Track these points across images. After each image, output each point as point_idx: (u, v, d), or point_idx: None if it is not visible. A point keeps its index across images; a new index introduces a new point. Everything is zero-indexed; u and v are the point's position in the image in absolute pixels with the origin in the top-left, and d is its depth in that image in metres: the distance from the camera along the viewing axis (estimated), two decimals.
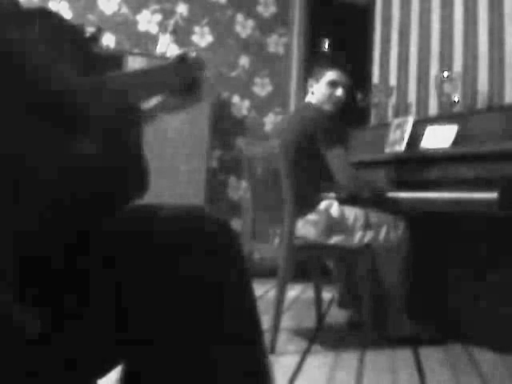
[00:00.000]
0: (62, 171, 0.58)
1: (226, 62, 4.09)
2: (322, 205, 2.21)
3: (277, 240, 2.26)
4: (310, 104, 2.35)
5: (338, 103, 2.36)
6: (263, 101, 4.21)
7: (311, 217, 2.17)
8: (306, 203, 2.18)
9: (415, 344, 2.19)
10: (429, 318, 2.39)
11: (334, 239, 2.16)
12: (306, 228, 2.17)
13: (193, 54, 0.90)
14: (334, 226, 2.16)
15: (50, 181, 0.57)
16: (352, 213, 2.20)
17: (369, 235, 2.18)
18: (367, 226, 2.18)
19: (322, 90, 2.34)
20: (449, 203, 2.08)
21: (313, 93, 2.37)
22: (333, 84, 2.34)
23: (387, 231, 2.20)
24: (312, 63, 2.55)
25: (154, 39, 3.84)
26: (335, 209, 2.20)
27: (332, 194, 2.52)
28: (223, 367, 0.64)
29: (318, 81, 2.36)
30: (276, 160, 2.10)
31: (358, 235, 2.17)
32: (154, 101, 0.95)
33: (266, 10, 4.24)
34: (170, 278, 0.64)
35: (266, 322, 2.26)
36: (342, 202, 2.33)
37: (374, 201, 2.33)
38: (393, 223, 2.22)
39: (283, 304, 2.09)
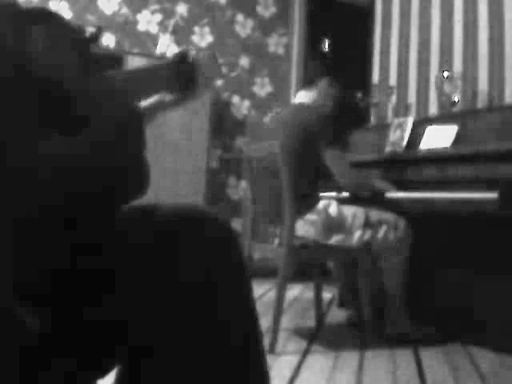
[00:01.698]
0: (61, 171, 0.58)
1: (226, 62, 4.09)
2: (321, 204, 2.21)
3: (277, 240, 2.26)
4: (306, 105, 2.35)
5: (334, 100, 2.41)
6: (263, 101, 4.21)
7: (310, 216, 2.17)
8: (305, 203, 2.18)
9: (415, 344, 2.19)
10: (429, 318, 2.39)
11: (334, 239, 2.17)
12: (306, 228, 2.17)
13: (192, 53, 0.91)
14: (333, 225, 2.17)
15: (49, 180, 0.57)
16: (351, 212, 2.20)
17: (368, 234, 2.18)
18: (366, 225, 2.18)
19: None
20: (449, 203, 2.08)
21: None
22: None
23: (387, 231, 2.20)
24: (308, 67, 2.56)
25: (153, 39, 3.84)
26: (334, 208, 2.20)
27: (331, 194, 2.52)
28: (221, 367, 0.64)
29: (310, 90, 2.39)
30: (276, 160, 2.10)
31: (356, 234, 2.17)
32: (152, 98, 0.95)
33: (266, 10, 4.24)
34: (169, 278, 0.64)
35: (265, 322, 2.26)
36: (341, 201, 2.34)
37: (374, 200, 2.34)
38: (393, 223, 2.22)
39: (283, 304, 2.09)
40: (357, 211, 2.21)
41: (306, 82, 2.43)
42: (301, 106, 2.35)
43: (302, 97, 2.38)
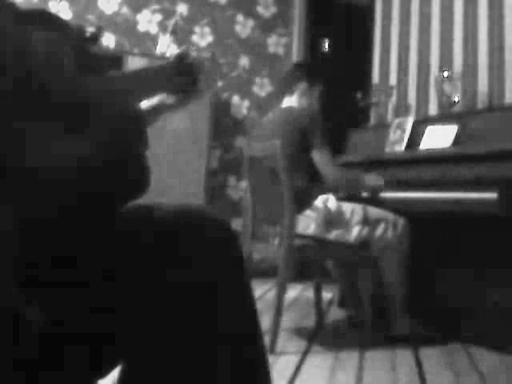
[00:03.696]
0: (61, 171, 0.58)
1: (226, 62, 4.09)
2: (319, 199, 2.22)
3: (277, 240, 2.26)
4: (296, 107, 2.37)
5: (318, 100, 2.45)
6: (263, 101, 4.21)
7: (310, 212, 2.18)
8: (304, 200, 2.19)
9: (415, 344, 2.19)
10: (429, 318, 2.39)
11: (333, 233, 2.17)
12: (305, 223, 2.18)
13: (193, 53, 0.91)
14: (332, 219, 2.18)
15: (50, 180, 0.58)
16: (349, 208, 2.21)
17: (366, 231, 2.18)
18: (365, 221, 2.19)
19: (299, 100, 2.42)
20: (449, 203, 2.09)
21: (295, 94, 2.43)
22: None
23: (385, 228, 2.20)
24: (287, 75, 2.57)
25: (153, 39, 3.84)
26: (332, 201, 2.22)
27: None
28: (222, 367, 0.64)
29: (291, 94, 2.40)
30: (275, 160, 2.10)
31: (355, 230, 2.18)
32: (154, 100, 0.95)
33: (266, 10, 4.24)
34: (169, 278, 0.64)
35: (265, 322, 2.26)
36: (340, 199, 2.35)
37: (370, 199, 2.35)
38: (392, 221, 2.22)
39: (283, 304, 2.09)
40: (355, 207, 2.22)
41: (283, 89, 2.46)
42: (291, 108, 2.37)
43: (288, 102, 2.42)
